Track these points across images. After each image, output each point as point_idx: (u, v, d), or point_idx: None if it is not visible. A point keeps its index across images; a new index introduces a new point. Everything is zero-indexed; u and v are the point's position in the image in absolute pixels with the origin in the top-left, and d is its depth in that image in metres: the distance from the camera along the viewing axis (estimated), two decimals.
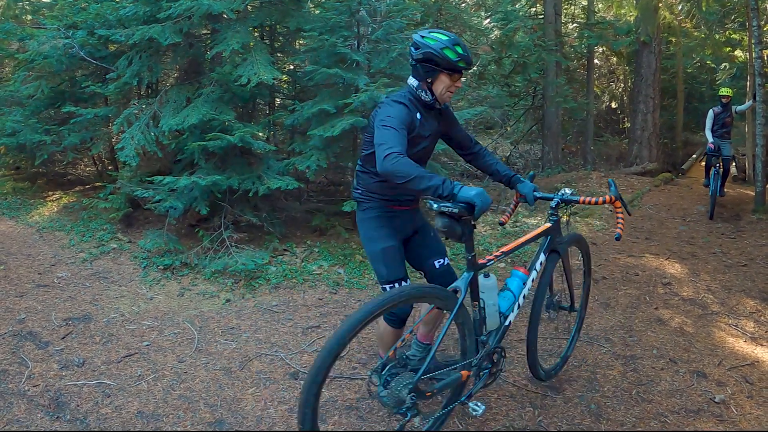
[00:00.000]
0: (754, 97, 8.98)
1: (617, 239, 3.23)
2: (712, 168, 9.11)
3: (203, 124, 5.93)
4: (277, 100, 8.54)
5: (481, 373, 3.08)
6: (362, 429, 3.26)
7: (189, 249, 6.00)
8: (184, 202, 5.94)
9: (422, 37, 2.99)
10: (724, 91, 9.54)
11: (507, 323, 3.15)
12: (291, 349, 4.22)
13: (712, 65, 16.46)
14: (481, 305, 3.00)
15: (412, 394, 2.61)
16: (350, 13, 6.36)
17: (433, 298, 2.78)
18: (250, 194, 6.00)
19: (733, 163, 11.31)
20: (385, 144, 2.77)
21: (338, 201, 6.96)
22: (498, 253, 3.16)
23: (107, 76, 6.70)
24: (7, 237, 6.47)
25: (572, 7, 17.22)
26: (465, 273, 2.92)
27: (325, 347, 2.37)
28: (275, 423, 3.28)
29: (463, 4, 15.49)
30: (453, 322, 2.84)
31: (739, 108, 9.73)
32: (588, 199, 3.32)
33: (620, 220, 3.26)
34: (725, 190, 9.54)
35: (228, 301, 5.18)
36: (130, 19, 6.37)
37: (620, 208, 3.28)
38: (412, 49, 3.04)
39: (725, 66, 15.35)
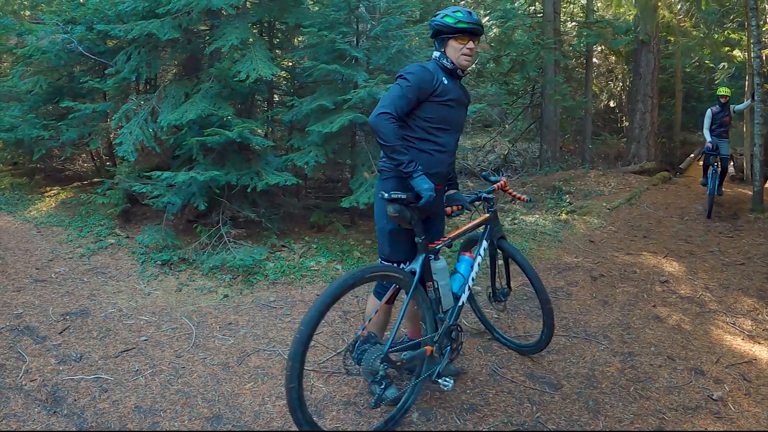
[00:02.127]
0: (753, 97, 8.99)
1: (528, 201, 4.41)
2: (710, 167, 9.10)
3: (202, 119, 5.92)
4: (276, 96, 8.53)
5: (444, 350, 3.39)
6: (360, 424, 3.25)
7: (187, 244, 5.99)
8: (182, 197, 5.94)
9: (433, 18, 3.33)
10: (723, 90, 9.53)
11: (460, 303, 3.53)
12: (289, 345, 4.20)
13: (711, 65, 16.46)
14: (435, 286, 3.35)
15: (384, 363, 2.99)
16: (349, 9, 6.36)
17: (393, 278, 3.12)
18: (249, 190, 5.99)
19: (731, 163, 11.32)
20: (386, 101, 3.09)
21: (336, 197, 6.96)
22: (445, 238, 3.47)
23: (106, 72, 6.68)
24: (5, 232, 6.45)
25: (571, 5, 17.22)
26: (418, 255, 3.23)
27: (301, 326, 2.78)
28: (273, 418, 3.28)
29: (462, 2, 15.47)
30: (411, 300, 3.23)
31: (738, 107, 9.73)
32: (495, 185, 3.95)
33: (516, 194, 4.08)
34: (723, 189, 9.53)
35: (226, 296, 5.18)
36: (129, 14, 6.36)
37: (508, 189, 3.97)
38: (430, 32, 3.39)
39: (724, 65, 15.34)
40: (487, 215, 3.89)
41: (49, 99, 7.56)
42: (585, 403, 3.52)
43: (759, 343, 4.52)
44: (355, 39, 6.55)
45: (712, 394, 3.70)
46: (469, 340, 4.35)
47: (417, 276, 3.17)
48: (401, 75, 3.19)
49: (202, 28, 7.18)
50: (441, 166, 3.32)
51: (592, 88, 15.73)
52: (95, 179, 8.04)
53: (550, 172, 12.72)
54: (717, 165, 9.07)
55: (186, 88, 6.50)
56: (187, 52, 7.00)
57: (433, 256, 3.37)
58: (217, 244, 5.96)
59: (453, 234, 3.59)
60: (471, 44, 3.26)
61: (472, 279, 3.64)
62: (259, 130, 7.03)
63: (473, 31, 3.25)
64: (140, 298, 5.04)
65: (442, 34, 3.28)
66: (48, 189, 8.09)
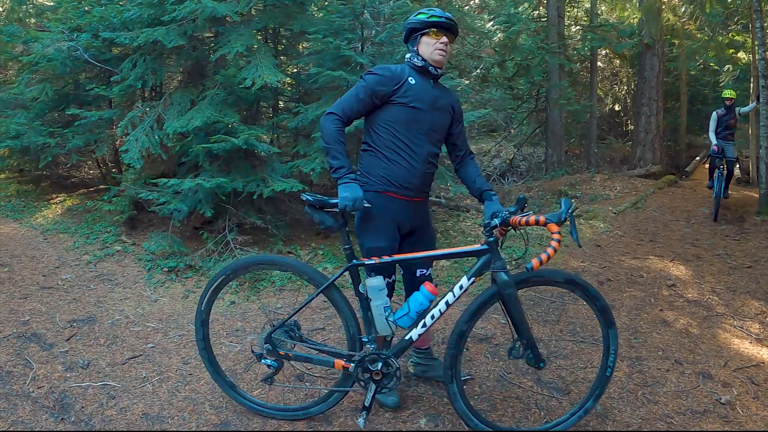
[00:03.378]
0: (758, 99, 8.98)
1: (528, 268, 2.76)
2: (716, 170, 9.10)
3: (207, 126, 5.93)
4: (281, 102, 8.54)
5: (365, 380, 3.09)
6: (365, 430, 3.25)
7: (193, 251, 6.00)
8: (188, 204, 5.94)
9: (405, 22, 3.33)
10: (728, 93, 9.53)
11: (407, 338, 3.04)
12: None
13: (716, 67, 16.45)
14: (366, 304, 3.12)
15: (267, 344, 3.15)
16: (354, 15, 6.37)
17: (293, 269, 3.26)
18: (255, 196, 6.00)
19: (737, 165, 11.30)
20: (338, 101, 3.16)
21: None
22: (381, 259, 3.09)
23: (111, 79, 6.70)
24: (12, 239, 6.48)
25: (575, 9, 17.20)
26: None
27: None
28: (281, 425, 3.27)
29: (467, 7, 15.49)
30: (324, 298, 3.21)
31: (743, 110, 9.73)
32: (519, 219, 2.88)
33: (552, 246, 2.80)
34: (729, 192, 9.52)
35: (233, 303, 5.18)
36: (134, 21, 6.38)
37: (555, 233, 2.84)
38: (403, 37, 3.36)
39: (728, 68, 15.32)
40: (479, 246, 3.01)
41: (55, 106, 7.59)
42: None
43: (767, 346, 4.50)
44: (360, 45, 6.56)
45: (720, 398, 3.69)
46: (476, 345, 4.34)
47: (328, 282, 3.12)
48: (362, 75, 3.19)
49: (207, 35, 7.19)
50: (414, 177, 3.18)
51: (597, 92, 15.74)
52: (101, 186, 8.05)
53: (556, 177, 12.72)
54: (723, 168, 9.07)
55: (191, 95, 6.52)
56: (192, 59, 7.02)
57: (372, 272, 3.17)
58: (223, 251, 5.97)
59: (401, 255, 3.14)
60: (445, 39, 3.16)
61: (432, 317, 3.00)
62: (265, 137, 7.04)
63: (447, 26, 3.16)
64: (147, 305, 5.05)
65: (414, 32, 3.21)
66: (54, 196, 8.12)
